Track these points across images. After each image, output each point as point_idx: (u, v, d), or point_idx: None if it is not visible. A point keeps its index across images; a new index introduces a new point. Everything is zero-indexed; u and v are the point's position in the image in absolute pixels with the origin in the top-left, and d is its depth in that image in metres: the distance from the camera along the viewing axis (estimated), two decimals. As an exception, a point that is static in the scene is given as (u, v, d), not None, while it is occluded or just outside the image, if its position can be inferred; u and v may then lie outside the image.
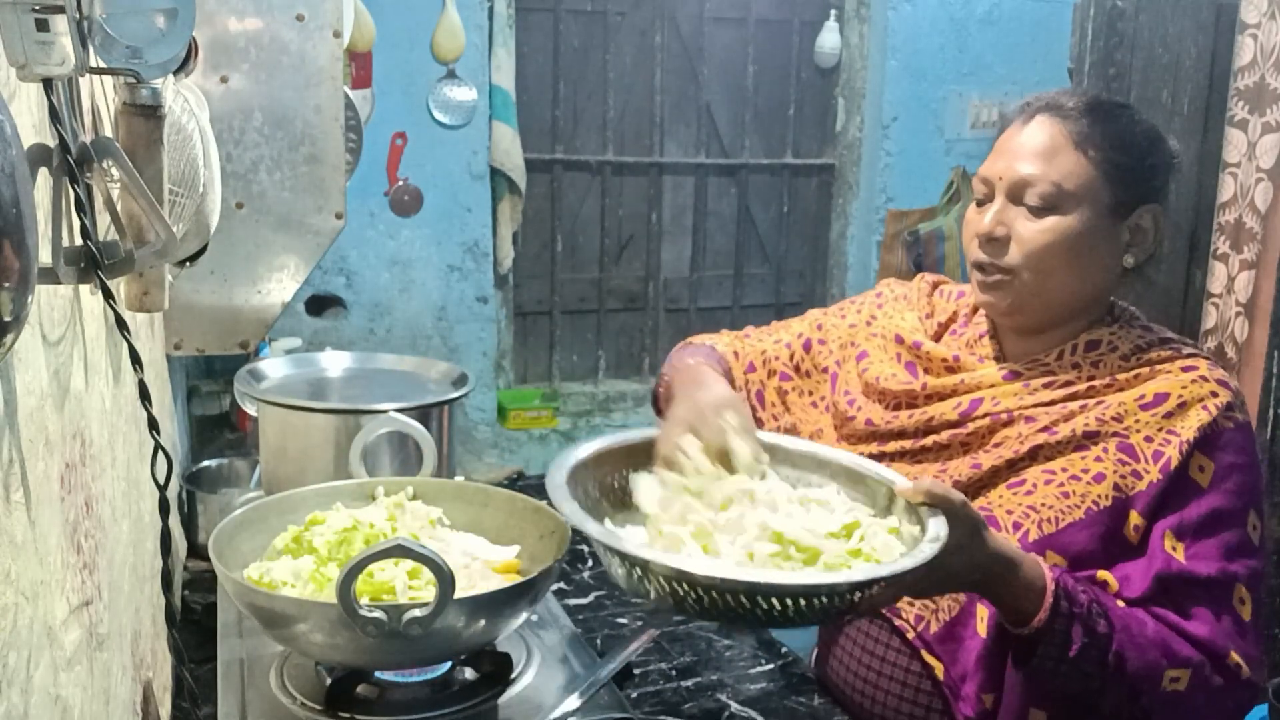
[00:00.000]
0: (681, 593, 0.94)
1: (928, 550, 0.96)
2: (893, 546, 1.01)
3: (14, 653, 0.56)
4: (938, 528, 0.99)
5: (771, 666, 1.40)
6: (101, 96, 0.98)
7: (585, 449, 1.15)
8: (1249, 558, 1.11)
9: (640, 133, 3.32)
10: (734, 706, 1.30)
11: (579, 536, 1.08)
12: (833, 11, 3.34)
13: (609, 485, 1.16)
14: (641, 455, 1.17)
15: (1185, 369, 1.16)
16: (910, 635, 1.21)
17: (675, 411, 1.16)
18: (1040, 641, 1.04)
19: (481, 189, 3.00)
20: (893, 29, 3.26)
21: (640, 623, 1.52)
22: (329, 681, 1.07)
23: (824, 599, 0.94)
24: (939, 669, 1.19)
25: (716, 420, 1.10)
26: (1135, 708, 1.08)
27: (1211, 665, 1.07)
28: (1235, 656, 1.08)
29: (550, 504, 1.07)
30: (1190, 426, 1.12)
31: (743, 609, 0.93)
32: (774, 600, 0.92)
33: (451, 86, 2.91)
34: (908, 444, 1.25)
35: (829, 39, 3.35)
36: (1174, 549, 1.10)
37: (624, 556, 0.96)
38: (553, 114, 3.21)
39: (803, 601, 0.93)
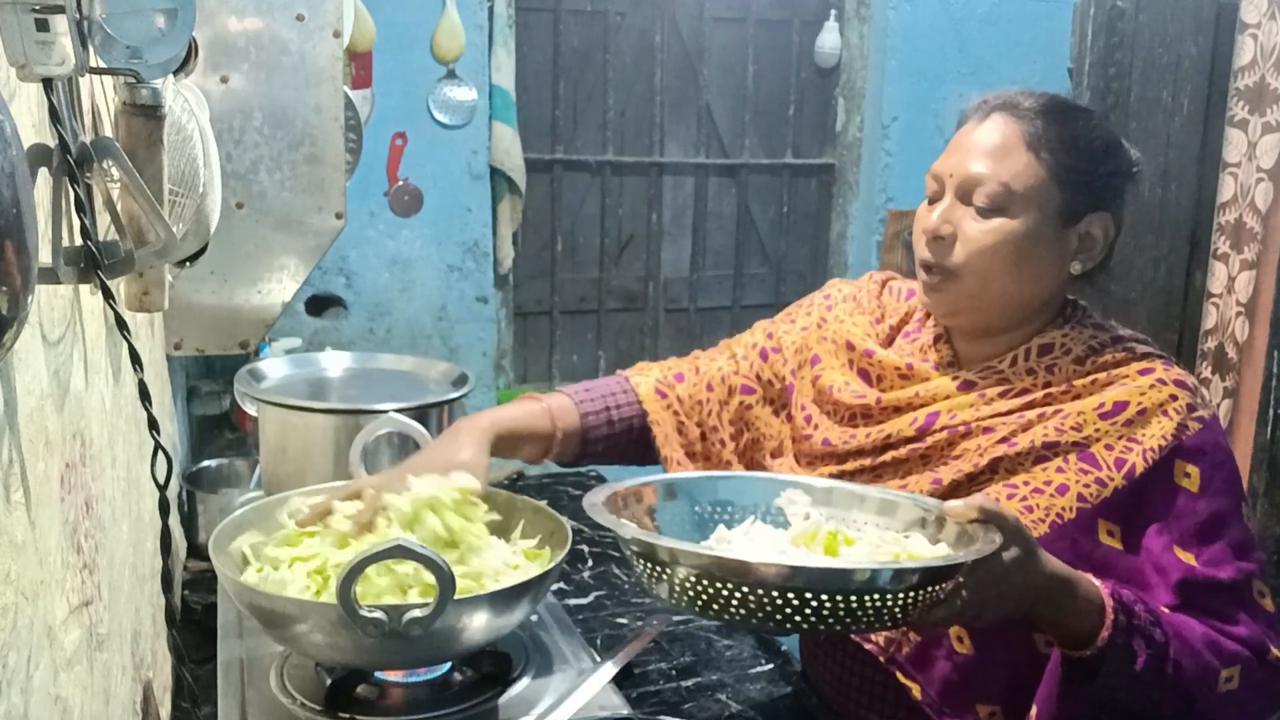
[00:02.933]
0: (712, 591, 0.90)
1: (988, 547, 0.93)
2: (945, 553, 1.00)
3: (14, 653, 0.56)
4: (992, 534, 0.96)
5: (771, 666, 1.40)
6: (101, 96, 0.98)
7: (616, 487, 1.14)
8: (1255, 549, 1.11)
9: (640, 133, 3.32)
10: (734, 706, 1.30)
11: (579, 537, 1.08)
12: (833, 11, 3.34)
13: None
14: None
15: (1142, 372, 1.13)
16: (882, 659, 1.18)
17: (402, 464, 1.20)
18: (1104, 659, 1.01)
19: (481, 189, 3.00)
20: (893, 29, 3.26)
21: (640, 623, 1.52)
22: (329, 681, 1.07)
23: (881, 597, 0.89)
24: (915, 690, 1.17)
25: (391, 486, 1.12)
26: (1190, 714, 1.06)
27: (1257, 662, 1.07)
28: (1276, 651, 1.08)
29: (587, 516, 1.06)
30: (1153, 434, 1.10)
31: (789, 606, 0.88)
32: (825, 597, 0.88)
33: (451, 86, 2.91)
34: (867, 461, 1.23)
35: (829, 39, 3.35)
36: (1188, 559, 1.08)
37: (656, 557, 0.94)
38: (553, 114, 3.21)
39: (854, 599, 0.88)
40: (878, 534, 1.08)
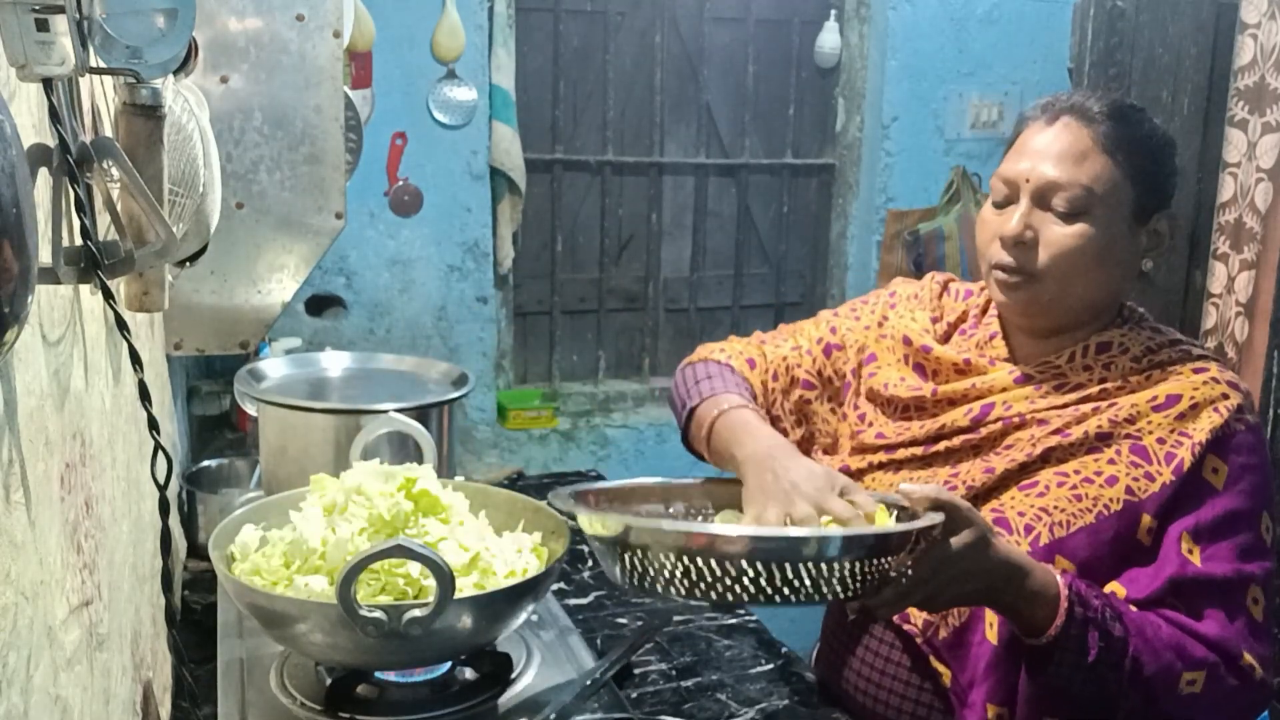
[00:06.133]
0: (657, 565, 0.94)
1: (930, 518, 0.97)
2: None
3: (14, 653, 0.56)
4: (936, 515, 0.99)
5: (771, 666, 1.40)
6: (101, 96, 0.98)
7: (591, 486, 1.19)
8: (1263, 559, 1.11)
9: (640, 133, 3.31)
10: (734, 706, 1.30)
11: (579, 537, 1.08)
12: (833, 11, 3.34)
13: None
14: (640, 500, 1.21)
15: (1197, 370, 1.16)
16: (919, 641, 1.20)
17: (762, 488, 1.10)
18: (1056, 649, 1.03)
19: (481, 189, 3.00)
20: (893, 29, 3.26)
21: (640, 623, 1.52)
22: (329, 681, 1.07)
23: (832, 564, 0.92)
24: (946, 676, 1.18)
25: (814, 504, 1.05)
26: (1152, 711, 1.07)
27: (1225, 666, 1.07)
28: (1248, 658, 1.08)
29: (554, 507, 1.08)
30: (1202, 428, 1.12)
31: (731, 576, 0.91)
32: (784, 566, 0.91)
33: (451, 86, 2.91)
34: (918, 450, 1.25)
35: (829, 39, 3.35)
36: (1190, 552, 1.09)
37: (615, 540, 0.97)
38: (553, 114, 3.21)
39: (812, 567, 0.91)
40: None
